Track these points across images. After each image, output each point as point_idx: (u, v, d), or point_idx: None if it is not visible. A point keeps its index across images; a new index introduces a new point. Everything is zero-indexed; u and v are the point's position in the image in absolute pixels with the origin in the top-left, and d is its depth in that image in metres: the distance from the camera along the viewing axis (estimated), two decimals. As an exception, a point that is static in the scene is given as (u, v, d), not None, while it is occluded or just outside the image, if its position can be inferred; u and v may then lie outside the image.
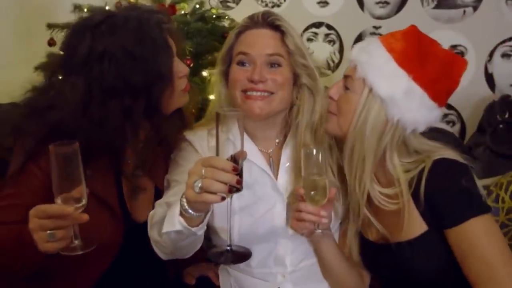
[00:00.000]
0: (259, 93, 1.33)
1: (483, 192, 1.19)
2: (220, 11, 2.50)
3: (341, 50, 2.70)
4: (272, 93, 1.34)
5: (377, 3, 2.56)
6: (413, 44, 1.22)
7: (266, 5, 2.81)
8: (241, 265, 1.38)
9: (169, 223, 1.13)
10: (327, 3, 2.68)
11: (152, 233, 1.26)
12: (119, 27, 1.25)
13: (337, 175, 1.38)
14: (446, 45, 2.40)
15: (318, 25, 2.72)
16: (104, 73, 1.22)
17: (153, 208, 1.31)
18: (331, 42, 2.71)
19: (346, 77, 1.28)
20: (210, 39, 2.17)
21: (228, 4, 2.91)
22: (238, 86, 1.35)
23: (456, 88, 1.26)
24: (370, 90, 1.21)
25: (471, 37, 2.40)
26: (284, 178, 1.39)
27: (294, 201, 1.29)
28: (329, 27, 2.70)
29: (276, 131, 1.44)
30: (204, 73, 2.08)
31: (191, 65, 1.93)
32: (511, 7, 2.30)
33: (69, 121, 1.20)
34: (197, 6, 2.39)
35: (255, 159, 1.37)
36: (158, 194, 1.40)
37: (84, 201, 1.04)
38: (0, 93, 2.25)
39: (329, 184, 1.21)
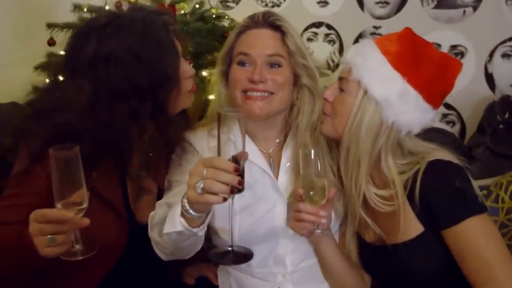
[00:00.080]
0: (259, 94, 1.33)
1: (479, 192, 1.19)
2: (220, 11, 2.50)
3: (341, 50, 2.70)
4: (272, 93, 1.34)
5: (377, 3, 2.56)
6: (408, 46, 1.22)
7: (266, 5, 2.81)
8: (242, 265, 1.38)
9: (170, 224, 1.13)
10: (327, 3, 2.68)
11: (153, 234, 1.25)
12: (124, 29, 1.24)
13: (337, 176, 1.38)
14: (446, 45, 2.43)
15: (318, 25, 2.72)
16: (110, 75, 1.22)
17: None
18: (331, 42, 2.71)
19: (341, 79, 1.28)
20: (210, 39, 2.16)
21: (228, 4, 2.91)
22: (238, 86, 1.35)
23: (451, 90, 1.26)
24: (365, 92, 1.21)
25: (471, 37, 2.40)
26: (284, 178, 1.39)
27: (295, 201, 1.29)
28: (329, 27, 2.70)
29: (276, 131, 1.44)
30: (204, 73, 2.08)
31: (191, 65, 1.93)
32: (511, 7, 2.30)
33: (75, 123, 1.19)
34: (197, 6, 2.39)
35: (255, 159, 1.37)
36: (161, 195, 1.39)
37: (85, 205, 1.02)
38: (0, 93, 2.25)
39: (328, 185, 1.21)
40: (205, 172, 1.03)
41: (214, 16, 2.33)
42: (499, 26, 2.34)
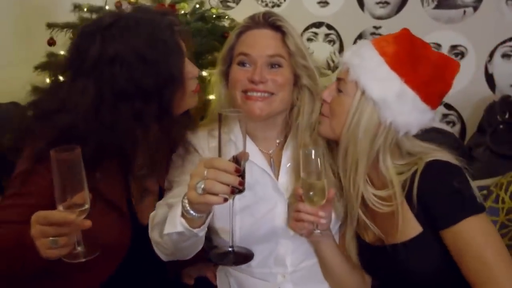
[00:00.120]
0: (259, 94, 1.33)
1: (477, 193, 1.19)
2: (220, 10, 2.50)
3: (341, 50, 2.70)
4: (272, 93, 1.33)
5: (377, 3, 2.57)
6: (405, 47, 1.22)
7: (266, 5, 2.81)
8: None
9: (170, 225, 1.13)
10: (327, 3, 2.68)
11: (153, 235, 1.25)
12: (130, 30, 1.23)
13: (337, 176, 1.38)
14: (446, 46, 2.44)
15: (318, 25, 2.72)
16: (116, 77, 1.21)
17: None
18: (331, 42, 2.72)
19: (339, 79, 1.28)
20: (210, 39, 2.16)
21: (228, 4, 2.92)
22: (238, 87, 1.35)
23: (449, 90, 1.26)
24: (363, 93, 1.21)
25: (472, 38, 2.41)
26: (285, 179, 1.39)
27: (295, 202, 1.29)
28: (329, 27, 2.71)
29: (277, 131, 1.44)
30: (204, 73, 2.08)
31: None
32: (511, 7, 2.30)
33: (79, 124, 1.19)
34: (197, 5, 2.39)
35: (255, 160, 1.36)
36: (162, 195, 1.39)
37: (86, 207, 1.01)
38: (0, 93, 2.26)
39: (328, 185, 1.21)
40: (205, 172, 1.02)
41: (214, 16, 2.33)
42: (499, 26, 2.34)
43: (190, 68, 1.34)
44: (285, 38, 1.35)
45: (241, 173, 1.05)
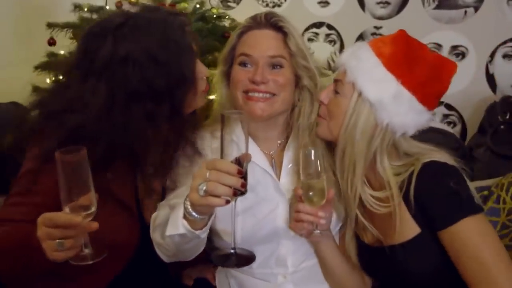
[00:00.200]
0: (261, 95, 1.33)
1: (475, 193, 1.19)
2: (221, 10, 2.50)
3: (341, 50, 2.70)
4: (273, 94, 1.33)
5: (378, 3, 2.56)
6: (402, 48, 1.22)
7: (267, 5, 2.81)
8: (243, 265, 1.39)
9: (172, 226, 1.13)
10: (328, 3, 2.68)
11: (155, 236, 1.25)
12: (142, 30, 1.23)
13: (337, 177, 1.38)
14: (447, 46, 2.43)
15: (319, 25, 2.72)
16: (128, 77, 1.20)
17: None
18: (332, 42, 2.71)
19: (336, 81, 1.28)
20: (210, 39, 2.15)
21: (229, 4, 2.91)
22: (239, 87, 1.35)
23: (446, 91, 1.26)
24: (360, 94, 1.21)
25: (472, 38, 2.41)
26: (286, 179, 1.39)
27: (296, 202, 1.29)
28: (330, 27, 2.70)
29: (278, 132, 1.44)
30: (205, 73, 2.08)
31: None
32: (512, 7, 2.31)
33: (90, 124, 1.18)
34: (198, 5, 2.38)
35: (257, 160, 1.36)
36: (165, 195, 1.38)
37: (93, 209, 1.00)
38: (0, 93, 2.25)
39: (328, 185, 1.21)
40: (208, 174, 1.02)
41: (214, 16, 2.33)
42: (500, 26, 2.34)
43: (200, 68, 1.34)
44: (286, 38, 1.35)
45: (243, 175, 1.05)
